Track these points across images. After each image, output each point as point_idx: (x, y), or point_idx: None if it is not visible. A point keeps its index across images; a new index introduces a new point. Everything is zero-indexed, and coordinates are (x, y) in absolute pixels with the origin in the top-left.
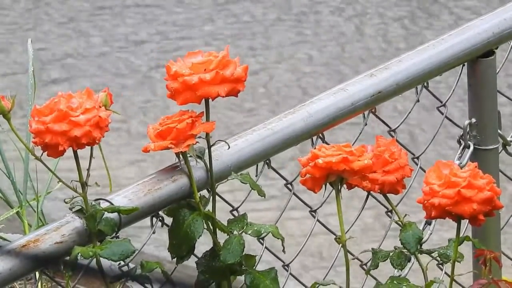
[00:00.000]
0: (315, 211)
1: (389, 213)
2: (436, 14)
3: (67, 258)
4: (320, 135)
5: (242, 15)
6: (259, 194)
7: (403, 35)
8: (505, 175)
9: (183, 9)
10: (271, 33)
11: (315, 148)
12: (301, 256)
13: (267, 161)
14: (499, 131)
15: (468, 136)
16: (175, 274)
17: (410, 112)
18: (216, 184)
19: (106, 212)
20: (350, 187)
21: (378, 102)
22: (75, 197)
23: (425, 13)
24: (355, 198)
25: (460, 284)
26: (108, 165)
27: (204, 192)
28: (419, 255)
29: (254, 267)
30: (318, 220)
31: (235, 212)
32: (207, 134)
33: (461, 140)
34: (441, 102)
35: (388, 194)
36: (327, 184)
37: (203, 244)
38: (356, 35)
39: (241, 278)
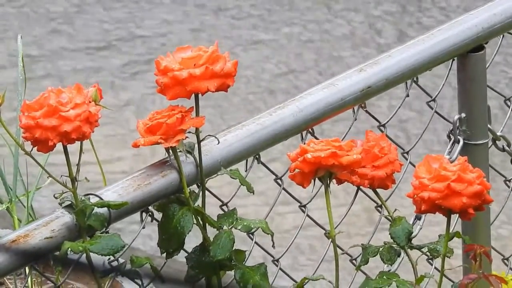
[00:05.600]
0: (304, 206)
1: (378, 208)
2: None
3: (57, 253)
4: (310, 129)
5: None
6: (248, 190)
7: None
8: (495, 170)
9: (174, 4)
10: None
11: (304, 143)
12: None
13: (257, 156)
14: (488, 125)
15: (457, 131)
16: (164, 269)
17: (399, 107)
18: (206, 179)
19: (96, 207)
20: (339, 182)
21: (368, 97)
22: (65, 192)
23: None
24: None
25: (450, 279)
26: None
27: (194, 187)
28: (409, 250)
29: (244, 262)
30: (307, 215)
31: (224, 207)
32: (196, 129)
33: (450, 135)
34: (431, 97)
35: (378, 189)
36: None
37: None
38: (346, 31)
39: (231, 273)
